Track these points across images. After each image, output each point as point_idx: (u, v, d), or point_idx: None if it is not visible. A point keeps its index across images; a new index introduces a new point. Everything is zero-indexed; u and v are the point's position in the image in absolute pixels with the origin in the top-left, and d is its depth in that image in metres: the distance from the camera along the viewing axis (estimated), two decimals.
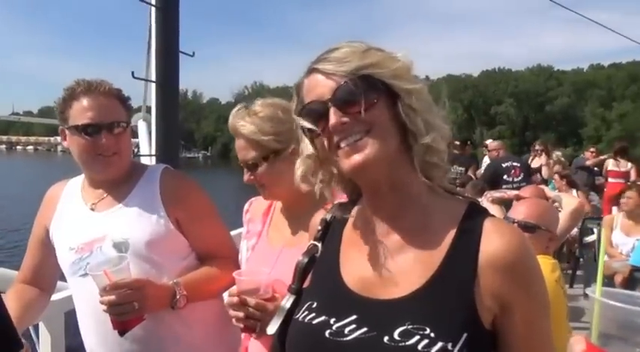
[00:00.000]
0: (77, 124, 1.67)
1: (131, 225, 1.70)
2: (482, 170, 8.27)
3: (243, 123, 1.57)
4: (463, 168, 7.22)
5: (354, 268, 1.04)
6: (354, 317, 0.96)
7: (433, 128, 0.97)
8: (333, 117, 0.94)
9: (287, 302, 1.10)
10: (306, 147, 1.05)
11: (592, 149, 10.46)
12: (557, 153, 8.73)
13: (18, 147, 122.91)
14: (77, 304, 1.80)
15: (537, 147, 8.22)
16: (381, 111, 0.95)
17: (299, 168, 1.06)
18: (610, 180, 9.22)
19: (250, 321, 1.40)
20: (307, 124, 0.99)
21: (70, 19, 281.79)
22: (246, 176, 1.63)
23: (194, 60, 3.56)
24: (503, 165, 6.90)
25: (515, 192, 3.48)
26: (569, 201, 3.09)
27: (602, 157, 9.60)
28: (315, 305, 1.02)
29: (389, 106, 0.95)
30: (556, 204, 2.88)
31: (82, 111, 1.67)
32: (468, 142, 9.07)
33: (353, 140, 0.94)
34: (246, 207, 1.85)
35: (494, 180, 6.66)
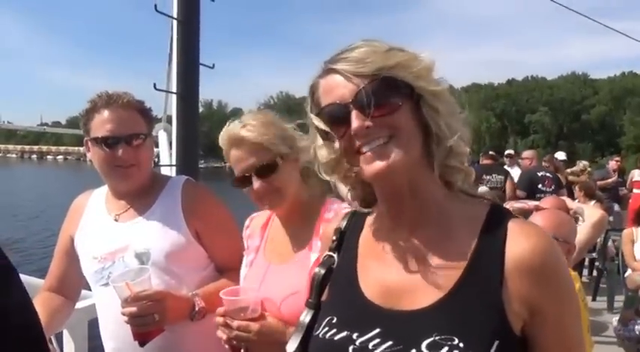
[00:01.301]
0: (97, 136, 1.72)
1: (153, 237, 1.74)
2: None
3: (244, 130, 1.47)
4: (503, 177, 7.17)
5: (374, 279, 0.99)
6: (377, 330, 0.91)
7: (455, 131, 0.93)
8: (356, 121, 0.89)
9: (305, 317, 1.06)
10: (321, 149, 0.99)
11: (617, 158, 10.14)
12: (584, 163, 8.49)
13: (48, 156, 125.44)
14: (100, 312, 1.84)
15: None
16: (405, 114, 0.90)
17: (323, 172, 1.01)
18: (635, 191, 8.92)
19: (233, 342, 1.41)
20: (325, 127, 0.94)
21: (94, 32, 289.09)
22: (257, 184, 1.48)
23: (215, 71, 3.59)
24: (539, 174, 6.87)
25: (536, 202, 3.43)
26: (592, 212, 3.04)
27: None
28: (335, 320, 0.98)
29: (412, 109, 0.91)
30: (577, 215, 2.83)
31: (101, 123, 1.72)
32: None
33: (376, 145, 0.89)
34: (247, 222, 1.80)
35: (530, 187, 6.66)
